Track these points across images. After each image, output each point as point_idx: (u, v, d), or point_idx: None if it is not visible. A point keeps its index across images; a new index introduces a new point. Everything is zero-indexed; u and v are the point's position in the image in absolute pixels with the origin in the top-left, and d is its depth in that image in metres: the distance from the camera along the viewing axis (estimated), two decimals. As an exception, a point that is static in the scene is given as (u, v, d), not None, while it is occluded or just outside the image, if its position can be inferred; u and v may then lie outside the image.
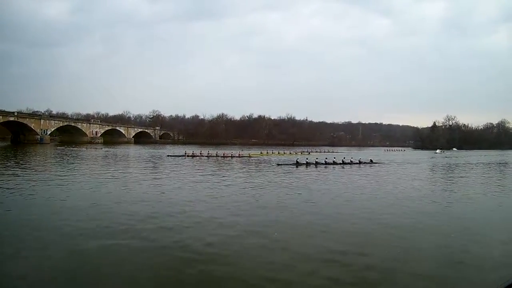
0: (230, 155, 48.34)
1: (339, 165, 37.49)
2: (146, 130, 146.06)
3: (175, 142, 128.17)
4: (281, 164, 36.42)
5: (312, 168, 34.23)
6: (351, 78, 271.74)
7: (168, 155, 49.72)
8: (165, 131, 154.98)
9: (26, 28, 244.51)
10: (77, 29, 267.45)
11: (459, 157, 66.31)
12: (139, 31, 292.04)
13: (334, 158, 41.46)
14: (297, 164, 36.34)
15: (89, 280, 7.07)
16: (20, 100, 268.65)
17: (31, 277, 7.07)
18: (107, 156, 49.08)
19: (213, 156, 47.67)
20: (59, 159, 41.03)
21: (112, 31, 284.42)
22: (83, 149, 66.39)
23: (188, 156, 48.06)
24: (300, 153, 60.32)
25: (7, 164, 31.55)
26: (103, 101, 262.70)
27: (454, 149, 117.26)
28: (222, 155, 48.43)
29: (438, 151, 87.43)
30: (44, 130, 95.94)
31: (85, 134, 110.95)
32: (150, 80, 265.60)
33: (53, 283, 6.93)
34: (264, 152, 57.97)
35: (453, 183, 25.88)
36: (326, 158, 40.66)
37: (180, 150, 61.74)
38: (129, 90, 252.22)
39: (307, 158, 41.09)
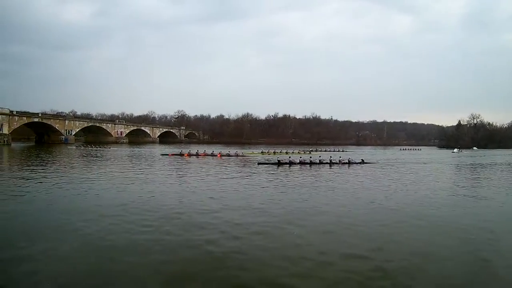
0: (227, 154, 47.08)
1: (326, 165, 34.07)
2: (171, 130, 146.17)
3: (200, 142, 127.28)
4: (262, 163, 33.70)
5: (294, 167, 31.22)
6: (374, 77, 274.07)
7: (161, 154, 48.81)
8: (190, 131, 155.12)
9: (48, 32, 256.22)
10: (99, 32, 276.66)
11: (476, 157, 61.80)
12: (161, 32, 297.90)
13: (320, 157, 38.15)
14: (279, 163, 33.43)
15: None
16: (45, 102, 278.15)
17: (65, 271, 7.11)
18: (129, 156, 48.44)
19: (209, 155, 46.07)
20: (83, 158, 41.08)
21: (134, 33, 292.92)
22: (107, 148, 65.96)
23: (183, 155, 46.59)
24: (303, 152, 57.00)
25: (33, 162, 31.92)
26: (127, 102, 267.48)
27: (474, 148, 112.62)
28: (218, 154, 47.17)
29: (455, 150, 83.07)
30: (68, 131, 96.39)
31: (110, 134, 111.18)
32: (174, 81, 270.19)
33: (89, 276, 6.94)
34: (266, 151, 55.59)
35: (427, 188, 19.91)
36: (310, 157, 37.65)
37: (188, 148, 60.19)
38: (153, 90, 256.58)
39: (290, 157, 38.44)
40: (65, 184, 18.39)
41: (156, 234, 9.45)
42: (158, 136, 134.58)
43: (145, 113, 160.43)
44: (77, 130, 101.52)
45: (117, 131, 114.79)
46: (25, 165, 29.78)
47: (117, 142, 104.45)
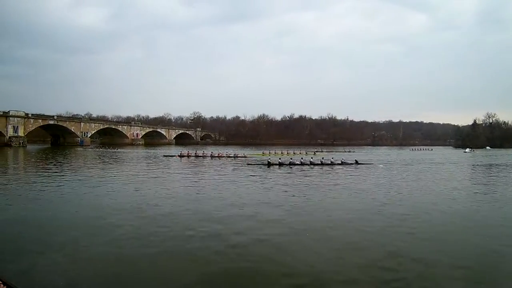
0: (225, 155, 46.36)
1: (318, 166, 33.10)
2: (187, 132, 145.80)
3: (216, 143, 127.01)
4: (251, 164, 33.75)
5: (284, 169, 30.32)
6: (388, 76, 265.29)
7: (164, 155, 48.79)
8: (206, 132, 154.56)
9: (63, 35, 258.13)
10: (114, 34, 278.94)
11: (487, 156, 60.50)
12: (176, 34, 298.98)
13: (311, 158, 37.54)
14: (269, 164, 33.18)
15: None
16: (61, 105, 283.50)
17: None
18: (143, 157, 48.60)
19: (208, 156, 45.76)
20: (97, 160, 41.89)
21: (149, 35, 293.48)
22: (123, 150, 66.07)
23: (182, 156, 46.59)
24: (305, 153, 55.42)
25: (48, 164, 32.50)
26: (143, 104, 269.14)
27: (487, 147, 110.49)
28: (217, 155, 46.97)
29: (467, 150, 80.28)
30: (84, 133, 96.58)
31: (126, 136, 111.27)
32: (189, 83, 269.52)
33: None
34: (267, 152, 54.64)
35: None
36: (301, 158, 37.03)
37: (202, 149, 57.99)
38: (169, 92, 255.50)
39: (280, 158, 37.58)
40: (80, 185, 18.54)
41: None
42: (174, 138, 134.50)
43: (161, 115, 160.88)
44: (93, 132, 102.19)
45: (133, 133, 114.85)
46: (40, 167, 30.01)
47: (133, 144, 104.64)
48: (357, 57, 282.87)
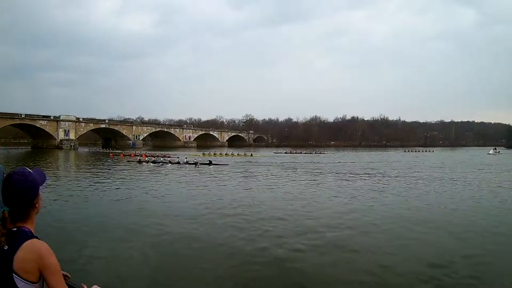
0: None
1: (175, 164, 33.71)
2: (240, 134, 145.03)
3: (268, 145, 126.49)
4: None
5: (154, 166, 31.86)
6: (440, 74, 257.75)
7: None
8: (259, 135, 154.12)
9: (112, 42, 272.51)
10: (163, 40, 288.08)
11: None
12: (225, 38, 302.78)
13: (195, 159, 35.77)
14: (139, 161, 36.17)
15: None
16: (112, 109, 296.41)
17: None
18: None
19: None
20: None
21: (198, 39, 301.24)
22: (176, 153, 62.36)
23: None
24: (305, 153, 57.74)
25: (98, 165, 33.17)
26: (195, 108, 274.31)
27: None
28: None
29: (491, 151, 70.29)
30: (136, 136, 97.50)
31: (178, 139, 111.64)
32: (240, 85, 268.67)
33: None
34: (207, 153, 53.12)
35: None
36: (185, 158, 36.20)
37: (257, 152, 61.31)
38: (220, 95, 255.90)
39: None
40: (126, 186, 18.00)
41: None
42: (227, 140, 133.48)
43: (213, 118, 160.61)
44: (145, 135, 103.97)
45: (185, 135, 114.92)
46: (91, 167, 30.62)
47: (185, 146, 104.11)
48: (408, 56, 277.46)
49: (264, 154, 56.17)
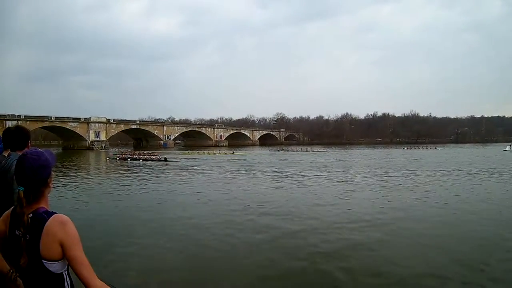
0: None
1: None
2: (271, 133, 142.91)
3: (300, 143, 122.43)
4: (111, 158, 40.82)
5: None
6: (470, 68, 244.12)
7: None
8: (290, 133, 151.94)
9: (140, 44, 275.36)
10: (191, 40, 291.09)
11: None
12: (254, 36, 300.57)
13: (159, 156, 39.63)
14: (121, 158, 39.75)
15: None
16: (143, 110, 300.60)
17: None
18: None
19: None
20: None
21: (227, 39, 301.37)
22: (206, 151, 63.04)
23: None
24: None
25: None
26: (225, 107, 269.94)
27: None
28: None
29: (507, 147, 62.22)
30: (167, 136, 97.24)
31: (209, 138, 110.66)
32: (270, 84, 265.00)
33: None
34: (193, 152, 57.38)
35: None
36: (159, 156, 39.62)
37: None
38: (250, 94, 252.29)
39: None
40: (159, 184, 18.93)
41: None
42: (258, 139, 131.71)
43: (244, 117, 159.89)
44: (176, 135, 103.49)
45: (216, 134, 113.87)
46: (122, 168, 30.87)
47: (217, 145, 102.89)
48: (438, 50, 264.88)
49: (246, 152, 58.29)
